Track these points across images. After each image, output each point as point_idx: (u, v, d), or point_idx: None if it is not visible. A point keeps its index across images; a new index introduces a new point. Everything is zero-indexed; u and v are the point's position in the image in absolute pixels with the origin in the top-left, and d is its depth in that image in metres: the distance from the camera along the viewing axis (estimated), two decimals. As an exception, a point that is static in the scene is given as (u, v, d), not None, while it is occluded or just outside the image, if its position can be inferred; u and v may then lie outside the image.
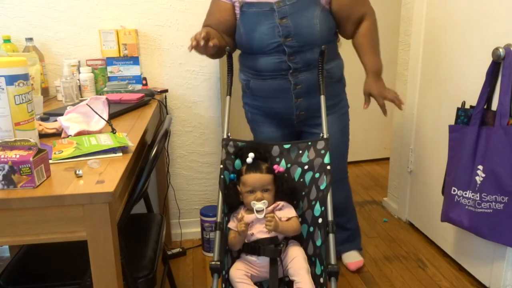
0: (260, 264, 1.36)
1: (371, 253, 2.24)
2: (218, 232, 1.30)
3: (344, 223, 2.10)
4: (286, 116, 1.80)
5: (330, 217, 1.32)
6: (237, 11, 1.70)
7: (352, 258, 2.12)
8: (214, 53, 1.70)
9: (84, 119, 1.32)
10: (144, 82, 2.11)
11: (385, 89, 1.77)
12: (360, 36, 1.76)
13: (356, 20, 1.74)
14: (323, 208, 1.37)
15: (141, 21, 2.10)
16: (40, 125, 1.31)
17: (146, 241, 1.47)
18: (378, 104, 1.78)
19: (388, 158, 2.81)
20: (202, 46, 1.53)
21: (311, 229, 1.42)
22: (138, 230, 1.56)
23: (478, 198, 1.70)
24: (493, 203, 1.66)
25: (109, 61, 2.06)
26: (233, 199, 1.42)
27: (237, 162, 1.48)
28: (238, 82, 2.80)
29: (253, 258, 1.37)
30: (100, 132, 1.30)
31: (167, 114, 2.14)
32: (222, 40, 1.71)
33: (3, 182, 0.93)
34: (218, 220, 1.33)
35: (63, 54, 2.07)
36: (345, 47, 1.90)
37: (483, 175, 1.69)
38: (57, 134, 1.31)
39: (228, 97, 1.58)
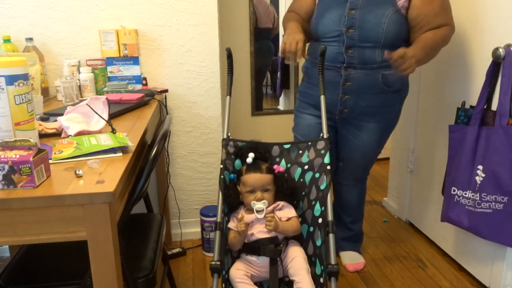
0: (260, 264, 1.36)
1: (371, 253, 2.24)
2: (218, 232, 1.30)
3: (349, 222, 2.10)
4: (329, 108, 1.73)
5: (330, 217, 1.32)
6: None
7: (352, 259, 2.12)
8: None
9: (84, 119, 1.32)
10: (144, 82, 2.11)
11: (406, 54, 1.47)
12: (423, 35, 1.63)
13: (431, 29, 1.64)
14: (323, 208, 1.37)
15: (141, 21, 2.10)
16: (40, 125, 1.31)
17: (146, 241, 1.47)
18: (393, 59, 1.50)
19: (388, 158, 2.80)
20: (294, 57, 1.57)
21: (311, 229, 1.42)
22: (138, 230, 1.56)
23: (478, 198, 1.70)
24: (493, 203, 1.66)
25: (109, 61, 2.06)
26: (233, 199, 1.42)
27: (237, 162, 1.48)
28: (238, 82, 2.81)
29: (253, 258, 1.37)
30: (100, 132, 1.30)
31: (167, 114, 2.14)
32: (305, 34, 1.72)
33: (3, 182, 0.93)
34: (218, 220, 1.33)
35: (63, 54, 2.07)
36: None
37: (483, 175, 1.69)
38: (57, 134, 1.31)
39: (228, 97, 1.58)
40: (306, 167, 1.47)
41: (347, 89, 1.71)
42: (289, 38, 1.60)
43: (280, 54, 1.64)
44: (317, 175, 1.43)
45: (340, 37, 1.66)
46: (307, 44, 1.87)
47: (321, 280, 1.32)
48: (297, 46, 1.56)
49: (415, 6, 1.62)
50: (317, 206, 1.40)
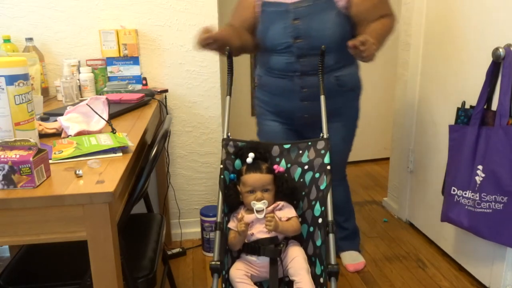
0: (260, 264, 1.36)
1: (371, 253, 2.24)
2: (218, 232, 1.30)
3: (342, 222, 2.12)
4: (289, 115, 1.81)
5: (330, 217, 1.31)
6: (258, 9, 1.73)
7: (352, 260, 2.12)
8: (235, 52, 1.69)
9: (84, 119, 1.32)
10: (144, 82, 2.11)
11: (368, 40, 1.47)
12: (371, 25, 1.65)
13: (374, 21, 1.68)
14: (323, 208, 1.37)
15: (141, 21, 2.10)
16: (40, 125, 1.31)
17: (146, 241, 1.47)
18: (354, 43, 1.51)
19: (388, 158, 2.81)
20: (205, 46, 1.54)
21: (311, 229, 1.42)
22: (138, 230, 1.56)
23: (477, 198, 1.70)
24: (493, 203, 1.66)
25: (109, 61, 2.06)
26: (233, 199, 1.42)
27: (237, 162, 1.48)
28: (238, 82, 2.80)
29: (253, 258, 1.36)
30: (100, 132, 1.30)
31: (167, 114, 2.14)
32: (237, 40, 1.68)
33: (3, 182, 0.93)
34: (218, 220, 1.33)
35: (63, 54, 2.07)
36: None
37: (483, 175, 1.69)
38: (57, 134, 1.31)
39: (228, 97, 1.58)
40: (306, 167, 1.47)
41: (304, 95, 1.72)
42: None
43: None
44: (317, 175, 1.43)
45: (289, 48, 1.66)
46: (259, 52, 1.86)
47: (321, 280, 1.32)
48: (201, 36, 1.51)
49: (355, 3, 1.65)
50: (317, 206, 1.40)
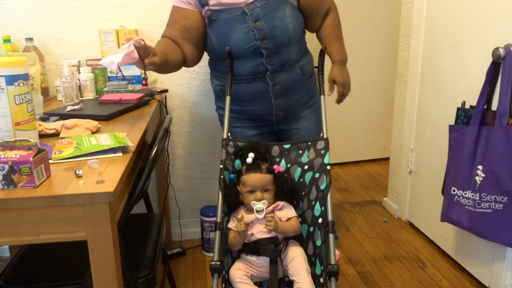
0: (260, 264, 1.36)
1: (371, 253, 2.24)
2: (218, 232, 1.30)
3: None
4: (265, 117, 1.78)
5: (330, 217, 1.32)
6: (206, 20, 1.65)
7: None
8: (163, 70, 1.63)
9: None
10: (144, 82, 2.10)
11: (348, 80, 1.84)
12: (326, 27, 1.79)
13: (323, 13, 1.77)
14: (323, 208, 1.37)
15: (141, 21, 2.10)
16: (40, 125, 1.31)
17: (146, 241, 1.47)
18: (338, 91, 1.85)
19: (388, 158, 2.81)
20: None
21: (311, 229, 1.42)
22: (138, 230, 1.56)
23: (477, 198, 1.70)
24: (493, 203, 1.66)
25: (109, 61, 2.06)
26: (233, 199, 1.42)
27: (237, 162, 1.48)
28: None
29: (253, 258, 1.36)
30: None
31: (167, 114, 2.14)
32: (175, 54, 1.63)
33: (3, 182, 0.93)
34: (218, 220, 1.33)
35: (63, 54, 2.07)
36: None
37: (483, 175, 1.69)
38: (57, 134, 1.31)
39: (228, 97, 1.58)
40: (306, 167, 1.47)
41: (276, 93, 1.71)
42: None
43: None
44: (317, 175, 1.43)
45: (256, 51, 1.62)
46: (209, 60, 1.83)
47: (321, 280, 1.32)
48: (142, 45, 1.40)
49: None
50: (317, 206, 1.40)
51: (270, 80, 1.68)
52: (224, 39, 1.62)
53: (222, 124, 1.88)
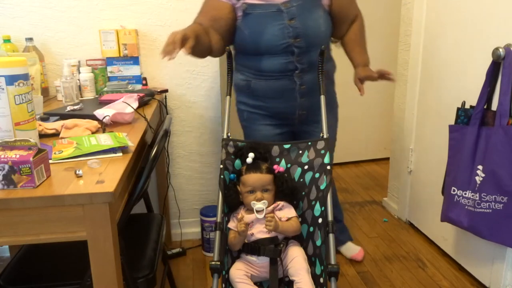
0: (260, 264, 1.36)
1: (371, 253, 2.24)
2: (218, 232, 1.30)
3: (336, 214, 2.14)
4: (288, 115, 1.81)
5: (330, 217, 1.32)
6: (239, 13, 1.68)
7: (354, 250, 2.19)
8: (196, 53, 1.62)
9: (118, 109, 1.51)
10: (144, 82, 2.11)
11: (372, 70, 1.81)
12: (351, 33, 1.83)
13: (350, 20, 1.82)
14: (323, 208, 1.37)
15: (141, 21, 2.10)
16: (40, 125, 1.31)
17: (146, 241, 1.47)
18: (374, 77, 1.78)
19: (388, 158, 2.81)
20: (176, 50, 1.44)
21: (311, 229, 1.42)
22: (138, 230, 1.56)
23: (477, 198, 1.70)
24: (493, 203, 1.66)
25: (109, 61, 2.06)
26: (233, 199, 1.42)
27: (237, 162, 1.48)
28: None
29: (253, 258, 1.36)
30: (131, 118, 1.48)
31: (167, 114, 2.14)
32: (206, 37, 1.63)
33: (3, 182, 0.93)
34: (218, 220, 1.33)
35: (63, 54, 2.07)
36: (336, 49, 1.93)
37: (483, 175, 1.69)
38: (57, 134, 1.31)
39: (228, 97, 1.58)
40: (306, 167, 1.47)
41: (302, 92, 1.74)
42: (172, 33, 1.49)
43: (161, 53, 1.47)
44: (317, 175, 1.43)
45: (288, 48, 1.65)
46: (235, 55, 1.81)
47: (321, 280, 1.32)
48: (174, 38, 1.42)
49: (337, 1, 1.73)
50: (317, 206, 1.40)
51: (298, 79, 1.71)
52: (258, 34, 1.65)
53: (243, 120, 1.91)
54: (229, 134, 1.52)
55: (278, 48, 1.66)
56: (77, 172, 1.00)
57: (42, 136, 1.27)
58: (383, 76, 1.78)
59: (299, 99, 1.75)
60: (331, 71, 1.87)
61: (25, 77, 1.05)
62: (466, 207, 1.75)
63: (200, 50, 1.61)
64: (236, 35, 1.72)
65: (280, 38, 1.64)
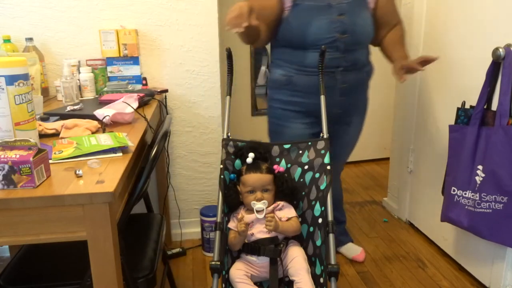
0: (260, 264, 1.36)
1: (371, 253, 2.24)
2: (218, 232, 1.30)
3: (339, 216, 2.16)
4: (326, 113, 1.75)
5: (330, 217, 1.32)
6: (288, 4, 1.67)
7: (355, 251, 2.20)
8: (249, 33, 1.62)
9: (118, 109, 1.52)
10: (144, 82, 2.11)
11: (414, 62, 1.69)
12: (393, 34, 1.84)
13: (391, 26, 1.84)
14: (323, 208, 1.37)
15: (141, 21, 2.10)
16: (40, 125, 1.31)
17: (146, 241, 1.47)
18: (416, 68, 1.67)
19: (388, 158, 2.81)
20: (243, 23, 1.41)
21: (311, 229, 1.42)
22: (138, 230, 1.56)
23: (477, 198, 1.70)
24: (493, 203, 1.66)
25: (109, 61, 2.06)
26: (233, 199, 1.42)
27: (237, 162, 1.48)
28: (238, 82, 2.80)
29: (253, 258, 1.36)
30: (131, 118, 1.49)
31: (167, 114, 2.14)
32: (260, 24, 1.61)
33: (3, 182, 0.93)
34: (218, 220, 1.33)
35: (63, 54, 2.07)
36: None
37: (483, 175, 1.69)
38: (57, 134, 1.31)
39: (228, 97, 1.58)
40: (306, 167, 1.47)
41: (343, 90, 1.75)
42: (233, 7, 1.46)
43: (226, 24, 1.46)
44: (317, 175, 1.43)
45: (334, 43, 1.66)
46: (276, 49, 1.82)
47: (321, 280, 1.32)
48: (241, 10, 1.41)
49: (382, 5, 1.77)
50: (317, 206, 1.40)
51: (341, 76, 1.71)
52: (305, 25, 1.65)
53: (274, 117, 1.87)
54: (229, 134, 1.51)
55: (323, 41, 1.64)
56: (77, 172, 1.00)
57: (42, 136, 1.27)
58: (427, 62, 1.67)
59: (338, 97, 1.75)
60: (370, 73, 1.87)
61: (25, 77, 1.05)
62: (466, 207, 1.75)
63: (253, 31, 1.60)
64: (282, 27, 1.70)
65: (327, 31, 1.64)
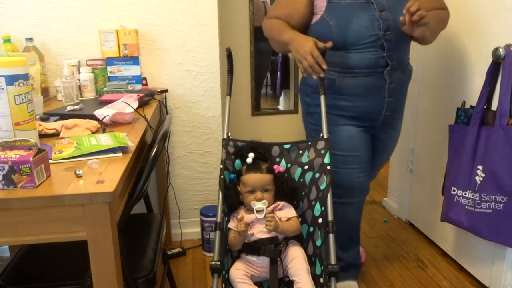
0: (260, 264, 1.36)
1: (371, 253, 2.24)
2: (218, 232, 1.30)
3: (354, 236, 1.90)
4: (373, 116, 1.69)
5: (330, 217, 1.31)
6: (323, 4, 1.59)
7: None
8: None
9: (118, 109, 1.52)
10: (144, 82, 2.11)
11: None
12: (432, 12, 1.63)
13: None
14: (323, 208, 1.37)
15: (141, 21, 2.10)
16: (40, 125, 1.31)
17: (146, 241, 1.47)
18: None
19: (388, 158, 2.80)
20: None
21: (311, 229, 1.42)
22: (138, 230, 1.56)
23: (477, 198, 1.70)
24: (493, 203, 1.67)
25: (109, 61, 2.06)
26: (233, 199, 1.42)
27: (237, 162, 1.48)
28: (238, 82, 2.80)
29: (253, 258, 1.36)
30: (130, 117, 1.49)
31: (167, 114, 2.14)
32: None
33: (3, 182, 0.93)
34: (218, 220, 1.33)
35: (63, 54, 2.07)
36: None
37: (483, 175, 1.69)
38: (57, 134, 1.31)
39: (228, 97, 1.58)
40: (306, 167, 1.47)
41: (391, 91, 1.65)
42: (300, 51, 1.48)
43: (303, 74, 1.52)
44: (317, 175, 1.43)
45: (376, 42, 1.57)
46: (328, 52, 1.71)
47: (321, 280, 1.32)
48: (314, 56, 1.45)
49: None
50: (317, 206, 1.40)
51: (388, 76, 1.62)
52: (345, 24, 1.56)
53: (315, 124, 1.72)
54: (229, 134, 1.51)
55: (366, 41, 1.56)
56: (77, 172, 1.00)
57: (42, 136, 1.27)
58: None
59: (386, 98, 1.65)
60: (411, 72, 1.77)
61: (25, 77, 1.05)
62: (466, 207, 1.75)
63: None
64: (318, 27, 1.62)
65: (370, 30, 1.55)
